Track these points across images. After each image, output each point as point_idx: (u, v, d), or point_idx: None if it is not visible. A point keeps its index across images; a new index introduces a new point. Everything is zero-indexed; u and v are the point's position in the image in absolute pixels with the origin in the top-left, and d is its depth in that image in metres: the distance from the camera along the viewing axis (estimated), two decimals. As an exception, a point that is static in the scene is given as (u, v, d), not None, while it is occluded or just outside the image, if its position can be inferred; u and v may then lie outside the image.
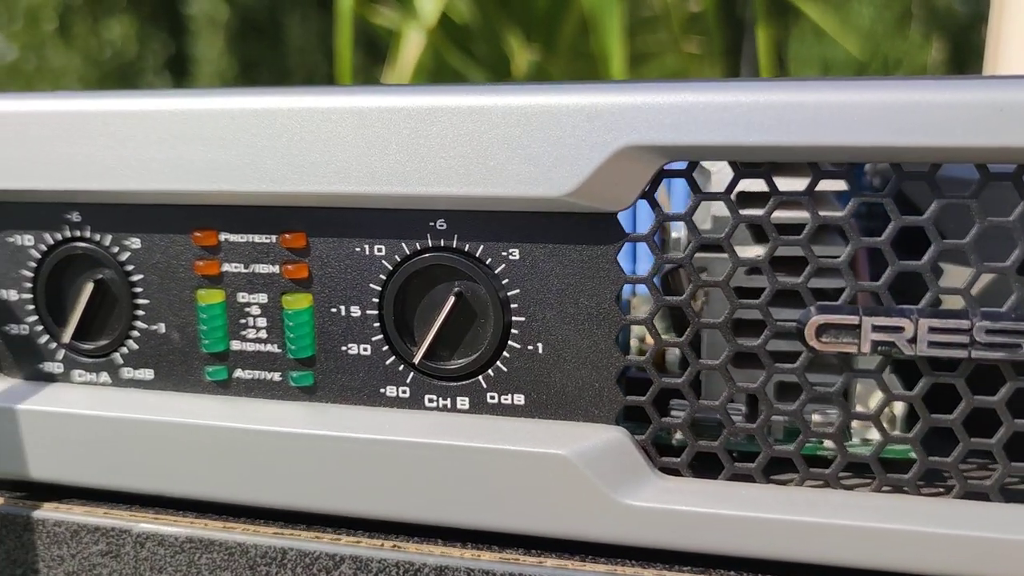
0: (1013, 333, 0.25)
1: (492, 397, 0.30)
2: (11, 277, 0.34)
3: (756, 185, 0.28)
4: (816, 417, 0.31)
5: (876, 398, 0.32)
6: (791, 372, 0.27)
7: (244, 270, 0.31)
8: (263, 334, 0.31)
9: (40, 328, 0.34)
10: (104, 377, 0.33)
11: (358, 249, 0.30)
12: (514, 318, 0.29)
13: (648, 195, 0.28)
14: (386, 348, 0.30)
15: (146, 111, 0.30)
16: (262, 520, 0.32)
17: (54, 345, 0.34)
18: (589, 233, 0.28)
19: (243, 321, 0.31)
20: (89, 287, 0.33)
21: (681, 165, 0.27)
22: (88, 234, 0.33)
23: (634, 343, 0.38)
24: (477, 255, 0.29)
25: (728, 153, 0.26)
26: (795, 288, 0.27)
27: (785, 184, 0.27)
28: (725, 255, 0.31)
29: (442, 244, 0.29)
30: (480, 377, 0.30)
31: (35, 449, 0.33)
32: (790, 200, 0.27)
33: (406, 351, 0.30)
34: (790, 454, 0.28)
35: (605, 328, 0.28)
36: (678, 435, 0.32)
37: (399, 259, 0.30)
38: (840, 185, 0.30)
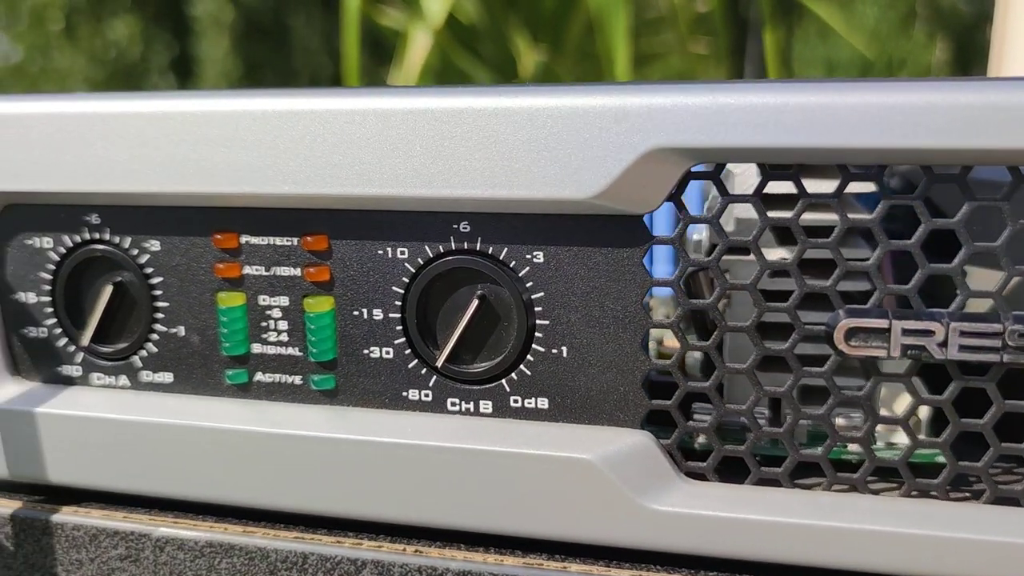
0: (1045, 337, 0.25)
1: (515, 401, 0.30)
2: (30, 280, 0.33)
3: (780, 187, 0.27)
4: (840, 421, 0.31)
5: (901, 402, 0.32)
6: (819, 376, 0.27)
7: (265, 272, 0.31)
8: (284, 337, 0.31)
9: (59, 331, 0.34)
10: (123, 380, 0.33)
11: (380, 251, 0.30)
12: (538, 321, 0.29)
13: (675, 197, 0.27)
14: (408, 351, 0.30)
15: (167, 113, 0.30)
16: (282, 524, 0.32)
17: (73, 348, 0.34)
18: (615, 235, 0.28)
19: (264, 324, 0.31)
20: (108, 290, 0.32)
21: (708, 167, 0.27)
22: (107, 236, 0.32)
23: (652, 346, 0.38)
24: (501, 258, 0.29)
25: (757, 155, 0.26)
26: (823, 291, 0.27)
27: (806, 186, 0.27)
28: (748, 258, 0.31)
29: (465, 247, 0.29)
30: (503, 381, 0.29)
31: (54, 453, 0.33)
32: (813, 202, 0.27)
33: (429, 354, 0.30)
34: (817, 458, 0.28)
35: (631, 331, 0.28)
36: (700, 439, 0.31)
37: (422, 262, 0.29)
38: (866, 187, 0.30)
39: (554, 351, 0.29)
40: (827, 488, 0.28)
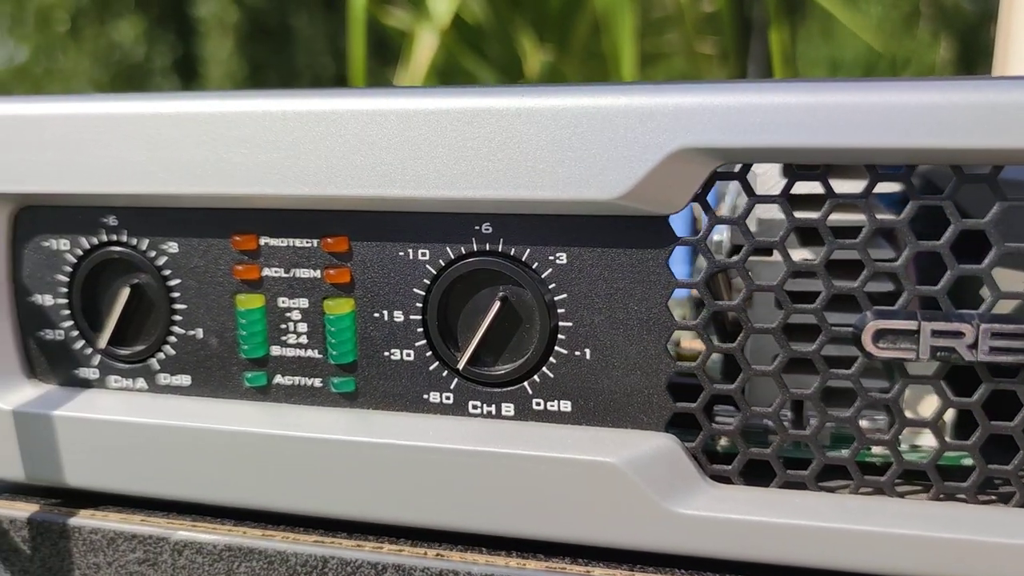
0: (1077, 338, 0.25)
1: (538, 403, 0.29)
2: (46, 282, 0.33)
3: (804, 187, 0.27)
4: (864, 423, 0.30)
5: (927, 404, 0.32)
6: (846, 378, 0.27)
7: (284, 274, 0.31)
8: (304, 339, 0.31)
9: (75, 334, 0.33)
10: (140, 383, 0.33)
11: (401, 253, 0.29)
12: (561, 323, 0.29)
13: (700, 198, 0.27)
14: (429, 353, 0.30)
15: (185, 113, 0.30)
16: (302, 528, 0.31)
17: (90, 351, 0.33)
18: (639, 237, 0.28)
19: (283, 326, 0.31)
20: (125, 292, 0.32)
21: (734, 167, 0.27)
22: (124, 238, 0.32)
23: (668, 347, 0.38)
24: (523, 259, 0.29)
25: (784, 155, 0.26)
26: (850, 293, 0.27)
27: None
28: (770, 258, 0.31)
29: (487, 248, 0.29)
30: (526, 383, 0.29)
31: (70, 456, 0.33)
32: (835, 203, 0.26)
33: (450, 357, 0.30)
34: (844, 461, 0.27)
35: (655, 333, 0.28)
36: (722, 441, 0.31)
37: (443, 263, 0.29)
38: (885, 187, 0.30)
39: (577, 353, 0.29)
40: (854, 491, 0.28)
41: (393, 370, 0.30)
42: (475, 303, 0.29)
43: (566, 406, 0.29)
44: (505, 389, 0.29)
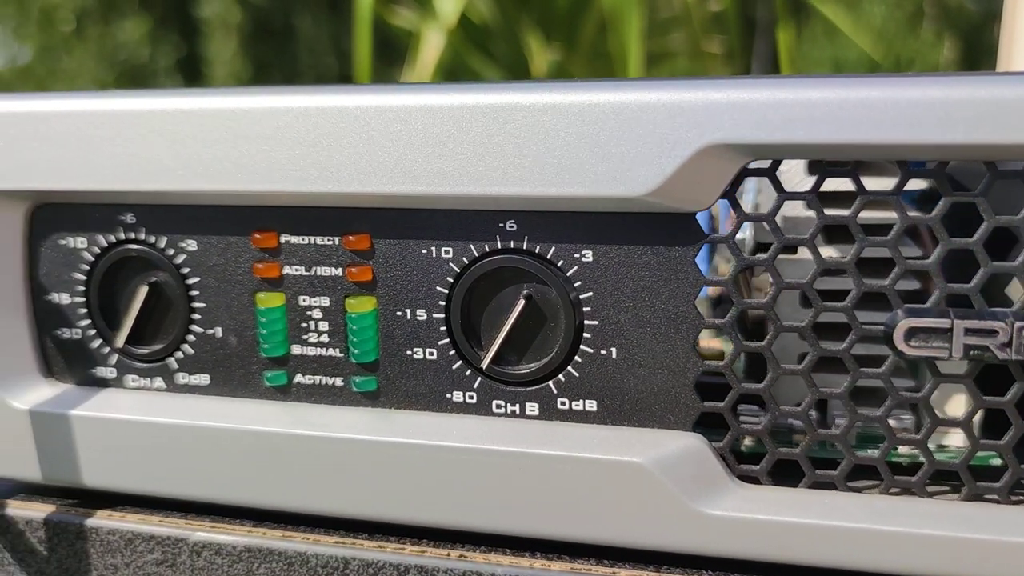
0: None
1: (563, 403, 0.29)
2: (63, 280, 0.33)
3: (831, 184, 0.27)
4: (891, 423, 0.30)
5: (955, 403, 0.31)
6: (876, 377, 0.27)
7: (306, 272, 0.30)
8: (325, 338, 0.30)
9: (93, 332, 0.33)
10: (158, 382, 0.33)
11: (424, 251, 0.29)
12: (587, 321, 0.28)
13: (729, 195, 0.27)
14: (452, 352, 0.30)
15: (206, 109, 0.30)
16: (323, 529, 0.31)
17: (107, 350, 0.33)
18: (666, 234, 0.27)
19: (304, 325, 0.31)
20: (143, 290, 0.32)
21: (763, 164, 0.26)
22: (143, 236, 0.32)
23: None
24: (548, 257, 0.28)
25: (815, 151, 0.26)
26: (881, 291, 0.26)
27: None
28: (794, 257, 0.31)
29: (512, 246, 0.28)
30: (550, 382, 0.29)
31: (88, 456, 0.33)
32: (865, 200, 0.26)
33: (473, 355, 0.29)
34: (874, 461, 0.27)
35: (683, 332, 0.28)
36: (746, 441, 0.31)
37: (467, 261, 0.29)
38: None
39: (603, 352, 0.28)
40: (883, 492, 0.27)
41: (415, 369, 0.30)
42: (499, 301, 0.29)
43: (591, 405, 0.29)
44: (529, 388, 0.29)
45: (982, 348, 0.25)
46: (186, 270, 0.31)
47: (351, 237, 0.30)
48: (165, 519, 0.32)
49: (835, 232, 0.31)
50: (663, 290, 0.27)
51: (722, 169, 0.26)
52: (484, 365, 0.29)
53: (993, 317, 0.25)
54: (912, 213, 0.26)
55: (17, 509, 0.33)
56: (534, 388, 0.29)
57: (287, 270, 0.30)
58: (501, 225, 0.28)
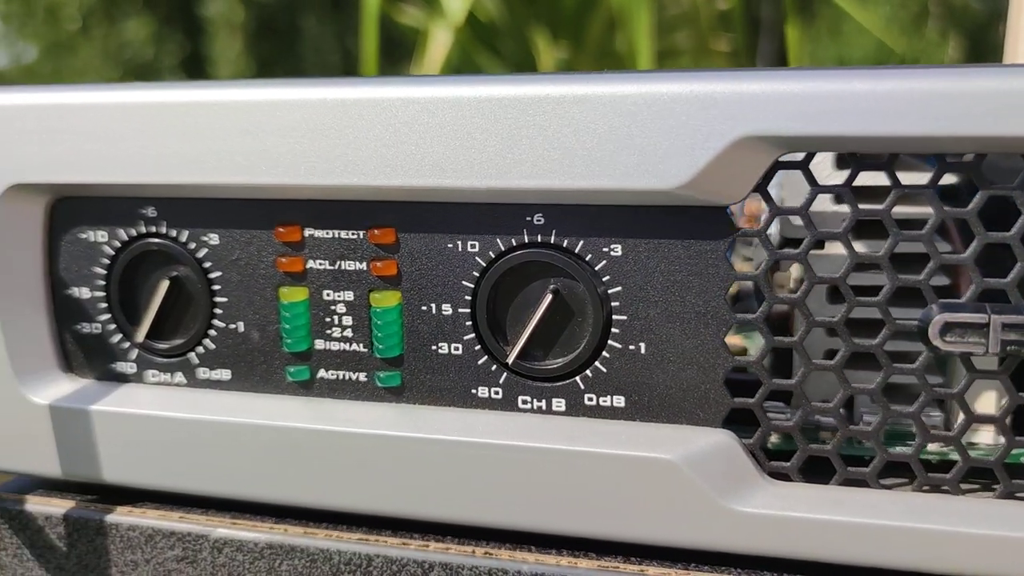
0: None
1: (590, 399, 0.29)
2: (83, 274, 0.33)
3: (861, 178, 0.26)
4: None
5: (986, 399, 0.31)
6: (910, 373, 0.26)
7: (330, 267, 0.30)
8: (349, 333, 0.30)
9: (113, 327, 0.33)
10: (179, 377, 0.32)
11: (450, 245, 0.29)
12: (615, 317, 0.28)
13: (761, 188, 0.26)
14: (478, 347, 0.29)
15: (227, 102, 0.29)
16: (345, 525, 0.31)
17: (127, 345, 0.33)
18: (697, 227, 0.27)
19: (328, 319, 0.30)
20: (164, 284, 0.32)
21: (797, 156, 0.26)
22: (164, 229, 0.32)
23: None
24: (576, 251, 0.28)
25: (850, 144, 0.25)
26: (916, 285, 0.26)
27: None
28: (823, 252, 0.31)
29: (539, 239, 0.28)
30: (578, 378, 0.29)
31: (107, 451, 0.32)
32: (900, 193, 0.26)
33: (499, 350, 0.29)
34: (907, 458, 0.27)
35: (713, 327, 0.27)
36: (773, 438, 0.30)
37: (493, 255, 0.29)
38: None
39: (631, 347, 0.28)
40: (916, 489, 0.27)
41: (440, 364, 0.30)
42: (525, 296, 0.29)
43: (619, 401, 0.28)
44: (556, 384, 0.29)
45: (1019, 343, 0.25)
46: (208, 264, 0.31)
47: (376, 231, 0.29)
48: (186, 515, 0.32)
49: (861, 228, 0.30)
50: (693, 284, 0.27)
51: (755, 162, 0.26)
52: (510, 360, 0.29)
53: (1030, 312, 0.25)
54: (949, 208, 0.25)
55: (36, 505, 0.33)
56: (561, 384, 0.29)
57: (311, 264, 0.30)
58: (528, 219, 0.28)
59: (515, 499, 0.29)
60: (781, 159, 0.26)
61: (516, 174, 0.27)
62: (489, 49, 1.35)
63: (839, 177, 0.29)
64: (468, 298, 0.29)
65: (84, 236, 0.32)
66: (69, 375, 0.33)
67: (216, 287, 0.31)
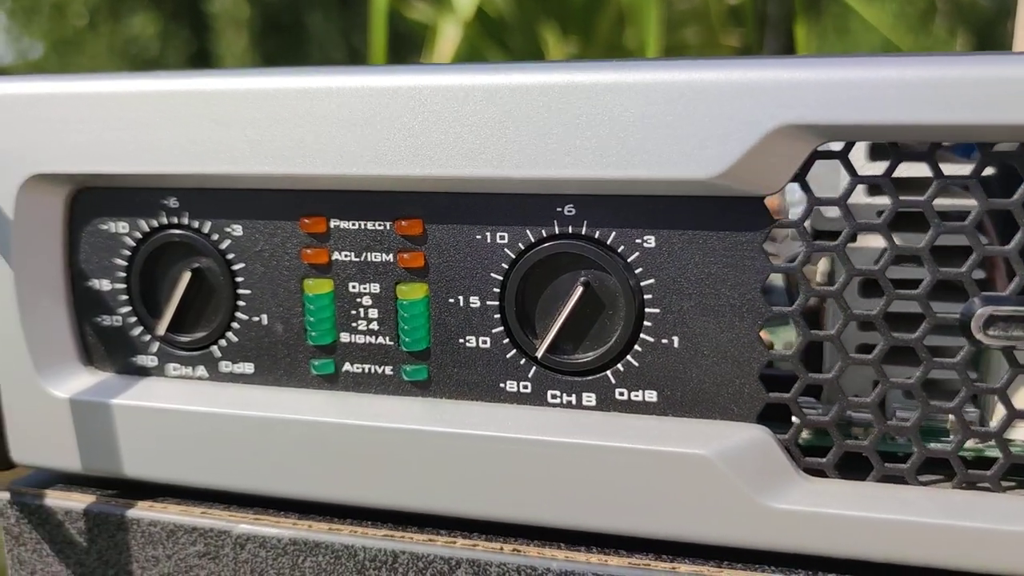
0: None
1: (621, 393, 0.28)
2: (104, 266, 0.32)
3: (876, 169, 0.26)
4: (952, 416, 0.29)
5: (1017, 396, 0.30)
6: (951, 367, 0.26)
7: (355, 258, 0.29)
8: (375, 325, 0.30)
9: (134, 320, 0.32)
10: (201, 371, 0.32)
11: (479, 236, 0.28)
12: (647, 310, 0.27)
13: (799, 178, 0.26)
14: (507, 341, 0.29)
15: (252, 90, 0.29)
16: (371, 522, 0.30)
17: (148, 337, 0.32)
18: (733, 218, 0.26)
19: (353, 312, 0.30)
20: (186, 276, 0.31)
21: (836, 146, 0.26)
22: (186, 220, 0.31)
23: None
24: (608, 242, 0.27)
25: (891, 133, 0.25)
26: (958, 278, 0.25)
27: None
28: (857, 245, 0.30)
29: (570, 231, 0.28)
30: (608, 372, 0.28)
31: (128, 446, 0.32)
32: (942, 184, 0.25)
33: (528, 344, 0.28)
34: (947, 454, 0.26)
35: (749, 320, 0.27)
36: (804, 433, 0.30)
37: (523, 247, 0.28)
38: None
39: (664, 341, 0.27)
40: (957, 486, 0.26)
41: (468, 357, 0.29)
42: (555, 288, 0.28)
43: (651, 396, 0.28)
44: (586, 378, 0.28)
45: (1064, 337, 0.24)
46: (231, 256, 0.31)
47: (403, 222, 0.29)
48: (208, 511, 0.32)
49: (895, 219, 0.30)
50: (728, 277, 0.27)
51: (793, 151, 0.25)
52: (539, 354, 0.28)
53: (1075, 305, 0.24)
54: (994, 199, 0.25)
55: (56, 500, 0.32)
56: (591, 378, 0.28)
57: (336, 256, 0.30)
58: (559, 209, 0.28)
59: (544, 495, 0.28)
60: (819, 148, 0.25)
61: (547, 164, 0.27)
62: (498, 44, 1.34)
63: (873, 168, 0.29)
64: (496, 290, 0.29)
65: (105, 227, 0.32)
66: (89, 368, 0.33)
67: (239, 279, 0.31)
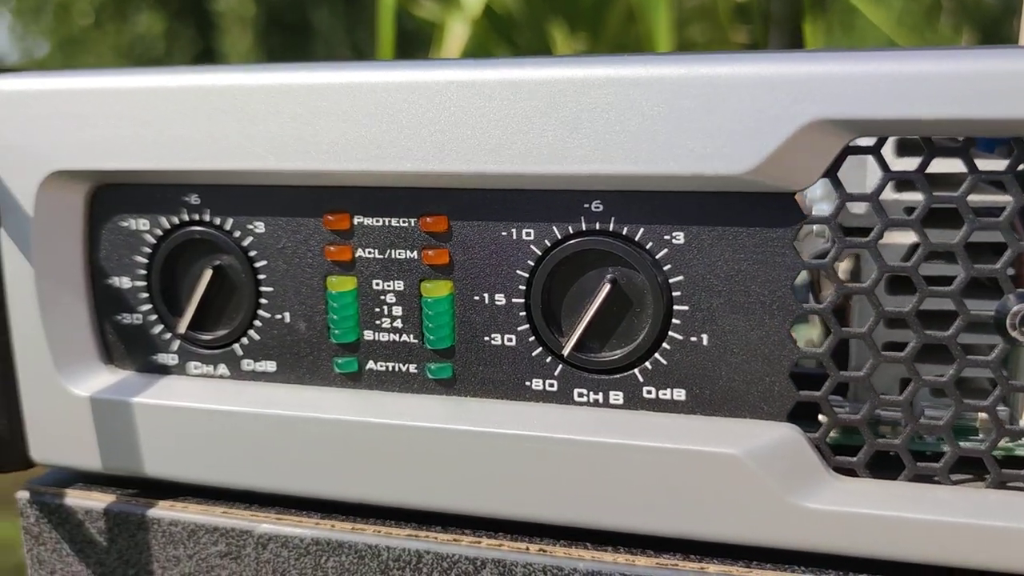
0: None
1: (649, 392, 0.28)
2: (124, 264, 0.32)
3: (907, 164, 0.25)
4: (982, 415, 0.29)
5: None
6: (985, 365, 0.25)
7: (379, 255, 0.29)
8: (399, 323, 0.29)
9: (154, 318, 0.32)
10: (222, 369, 0.32)
11: (504, 233, 0.28)
12: (676, 307, 0.27)
13: (831, 173, 0.25)
14: (533, 338, 0.28)
15: (276, 85, 0.29)
16: (394, 521, 0.30)
17: (169, 336, 0.32)
18: (763, 215, 0.26)
19: (377, 310, 0.30)
20: (208, 274, 0.31)
21: (868, 141, 0.25)
22: (207, 217, 0.31)
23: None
24: (636, 239, 0.27)
25: (925, 128, 0.24)
26: (992, 275, 0.25)
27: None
28: (886, 240, 0.30)
29: (597, 227, 0.27)
30: (636, 370, 0.28)
31: (149, 445, 0.32)
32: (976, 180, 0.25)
33: (554, 342, 0.28)
34: (980, 453, 0.26)
35: (779, 318, 0.26)
36: (833, 432, 0.30)
37: (549, 244, 0.28)
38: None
39: (693, 339, 0.27)
40: (991, 486, 0.26)
41: (493, 355, 0.29)
42: (581, 285, 0.28)
43: (680, 394, 0.28)
44: (614, 376, 0.28)
45: (1102, 335, 0.24)
46: (253, 253, 0.30)
47: (428, 219, 0.28)
48: (229, 510, 0.31)
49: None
50: (759, 274, 0.26)
51: (826, 146, 0.25)
52: (566, 352, 0.28)
53: (1113, 302, 0.24)
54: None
55: (76, 499, 0.32)
56: (619, 376, 0.28)
57: (360, 253, 0.29)
58: (586, 206, 0.27)
59: (570, 495, 0.28)
60: (852, 144, 0.25)
61: (575, 159, 0.26)
62: (506, 42, 1.34)
63: (901, 164, 0.29)
64: (522, 287, 0.28)
65: (125, 224, 0.32)
66: (110, 367, 0.33)
67: (261, 276, 0.31)
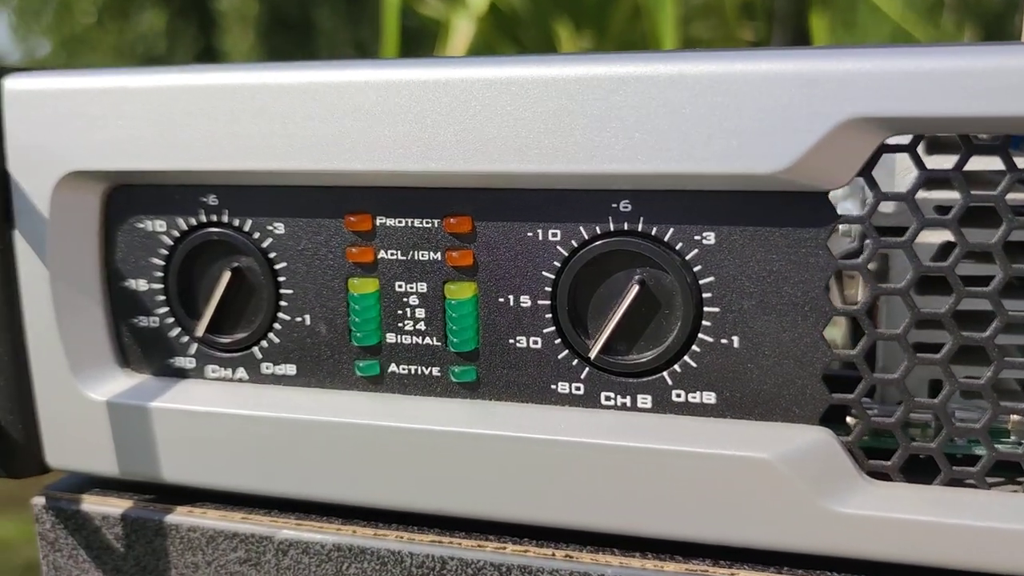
0: None
1: (678, 395, 0.27)
2: (141, 266, 0.31)
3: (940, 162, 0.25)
4: (1014, 416, 0.28)
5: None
6: (1022, 367, 0.25)
7: (402, 257, 0.29)
8: (422, 326, 0.29)
9: (171, 320, 0.32)
10: (241, 373, 0.31)
11: (530, 234, 0.28)
12: (706, 309, 0.27)
13: (866, 173, 0.25)
14: (558, 341, 0.28)
15: (296, 84, 0.28)
16: (417, 527, 0.30)
17: (186, 339, 0.32)
18: (796, 214, 0.25)
19: (400, 312, 0.29)
20: (226, 276, 0.30)
21: (903, 139, 0.25)
22: (226, 219, 0.30)
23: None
24: (666, 240, 0.27)
25: (962, 126, 0.24)
26: (1029, 275, 0.25)
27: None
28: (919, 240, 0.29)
29: (625, 227, 0.27)
30: (665, 373, 0.27)
31: (166, 449, 0.31)
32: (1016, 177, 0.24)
33: (581, 344, 0.28)
34: (1018, 457, 0.25)
35: (812, 319, 0.26)
36: (864, 436, 0.29)
37: (576, 244, 0.27)
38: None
39: (723, 341, 0.27)
40: (1027, 490, 0.26)
41: (518, 358, 0.28)
42: (608, 287, 0.27)
43: (710, 398, 0.27)
44: (642, 379, 0.28)
45: None
46: (273, 254, 0.30)
47: (451, 219, 0.28)
48: (248, 516, 0.31)
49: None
50: (792, 274, 0.26)
51: (860, 145, 0.24)
52: (593, 355, 0.27)
53: None
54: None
55: (93, 504, 0.32)
56: (647, 379, 0.27)
57: (382, 254, 0.29)
58: (614, 206, 0.27)
59: (598, 500, 0.27)
60: (887, 142, 0.25)
61: (603, 158, 0.26)
62: (511, 39, 1.33)
63: (931, 163, 0.28)
64: (548, 289, 0.28)
65: (142, 226, 0.31)
66: (126, 371, 0.32)
67: (281, 278, 0.30)
